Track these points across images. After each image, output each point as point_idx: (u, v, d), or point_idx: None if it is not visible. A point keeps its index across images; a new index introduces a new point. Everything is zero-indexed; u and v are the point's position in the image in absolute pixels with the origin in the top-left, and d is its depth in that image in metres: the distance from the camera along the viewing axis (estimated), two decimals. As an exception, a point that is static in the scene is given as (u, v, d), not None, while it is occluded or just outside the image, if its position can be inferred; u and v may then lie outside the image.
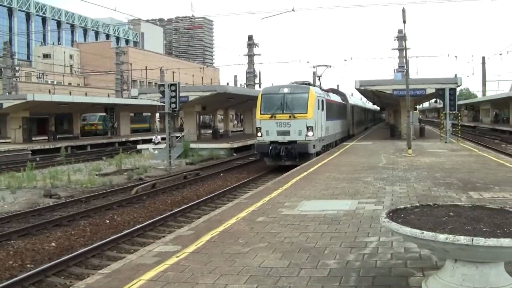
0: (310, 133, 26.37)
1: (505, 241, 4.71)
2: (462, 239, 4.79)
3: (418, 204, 6.70)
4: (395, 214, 6.06)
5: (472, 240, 4.75)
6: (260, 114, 27.32)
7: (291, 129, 26.40)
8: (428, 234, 5.03)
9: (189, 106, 39.60)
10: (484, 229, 5.24)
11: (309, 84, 30.50)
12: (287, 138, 26.38)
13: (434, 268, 6.42)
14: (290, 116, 26.40)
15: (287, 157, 26.24)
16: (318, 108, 27.88)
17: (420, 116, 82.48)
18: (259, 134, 27.23)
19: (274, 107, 26.91)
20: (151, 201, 18.75)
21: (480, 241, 4.73)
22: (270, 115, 26.76)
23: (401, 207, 6.48)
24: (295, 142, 26.24)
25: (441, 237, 4.92)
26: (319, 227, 9.26)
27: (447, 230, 5.19)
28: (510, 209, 6.14)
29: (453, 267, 5.35)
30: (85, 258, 11.17)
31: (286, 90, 27.30)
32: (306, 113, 26.44)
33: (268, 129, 26.76)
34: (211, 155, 35.13)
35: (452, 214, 5.97)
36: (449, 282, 5.34)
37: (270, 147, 26.30)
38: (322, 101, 29.08)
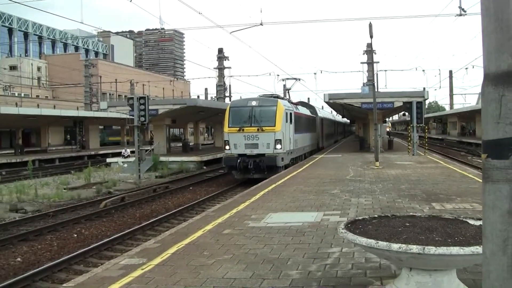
0: (278, 146, 26.45)
1: (454, 249, 4.91)
2: (414, 248, 4.99)
3: (376, 215, 6.89)
4: (353, 225, 6.24)
5: (424, 249, 4.95)
6: (228, 127, 27.34)
7: (259, 142, 26.45)
8: (382, 244, 5.21)
9: (158, 119, 39.54)
10: (437, 238, 5.44)
11: (277, 97, 30.76)
12: (255, 151, 26.42)
13: (393, 277, 6.59)
14: (258, 129, 26.46)
15: (255, 170, 26.26)
16: (287, 121, 28.06)
17: (390, 129, 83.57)
18: (227, 147, 27.22)
19: (242, 120, 26.97)
20: (120, 215, 18.69)
21: (431, 249, 4.93)
22: (238, 128, 26.77)
23: (360, 218, 6.67)
24: (263, 155, 26.29)
25: (395, 246, 5.10)
26: (283, 239, 9.40)
27: (401, 240, 5.39)
28: (463, 219, 6.37)
29: (408, 275, 5.54)
30: (51, 272, 11.08)
31: (254, 103, 27.43)
32: (274, 126, 26.55)
33: (236, 142, 26.76)
34: (181, 168, 35.18)
35: (408, 224, 6.17)
36: (404, 290, 5.53)
37: (238, 160, 26.30)
38: (291, 114, 29.29)
